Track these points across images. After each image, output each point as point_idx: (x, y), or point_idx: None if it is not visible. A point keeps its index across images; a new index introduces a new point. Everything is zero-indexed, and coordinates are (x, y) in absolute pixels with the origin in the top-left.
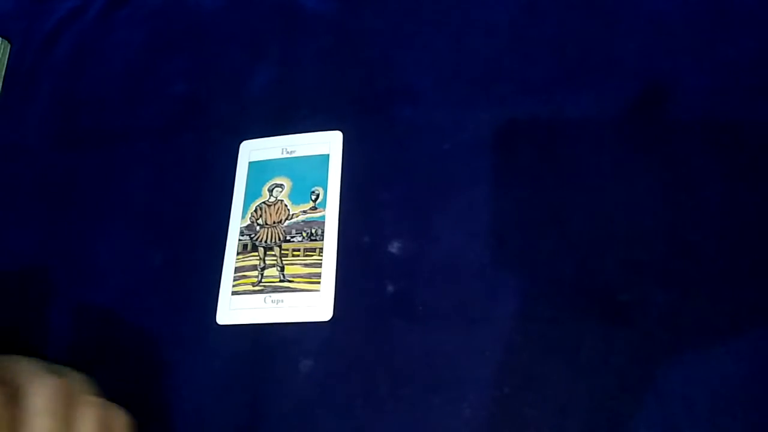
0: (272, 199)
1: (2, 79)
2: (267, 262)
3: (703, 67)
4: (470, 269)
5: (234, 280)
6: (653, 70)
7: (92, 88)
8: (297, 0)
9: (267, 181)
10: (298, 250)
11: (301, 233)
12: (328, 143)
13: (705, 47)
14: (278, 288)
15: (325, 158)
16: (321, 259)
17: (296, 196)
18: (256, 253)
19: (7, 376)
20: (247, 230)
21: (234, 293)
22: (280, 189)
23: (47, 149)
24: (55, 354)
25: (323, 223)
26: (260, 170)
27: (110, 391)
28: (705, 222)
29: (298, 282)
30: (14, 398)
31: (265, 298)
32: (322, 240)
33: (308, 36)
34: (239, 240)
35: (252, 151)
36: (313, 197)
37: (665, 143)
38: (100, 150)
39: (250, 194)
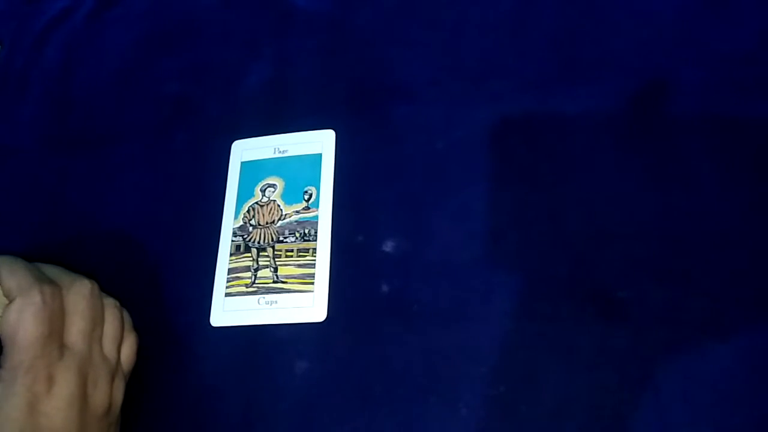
0: (265, 200)
1: None
2: (260, 263)
3: (699, 62)
4: (465, 267)
5: (227, 282)
6: (649, 66)
7: (84, 88)
8: None
9: (259, 181)
10: (292, 251)
11: (294, 233)
12: (321, 142)
13: (701, 42)
14: (272, 289)
15: (318, 157)
16: (314, 260)
17: (289, 196)
18: (249, 254)
19: (50, 278)
20: (240, 231)
21: (227, 295)
22: (272, 189)
23: (39, 151)
24: None
25: (316, 223)
26: (252, 170)
27: None
28: (702, 217)
29: (292, 283)
30: (60, 297)
31: (258, 300)
32: (316, 240)
33: (301, 34)
34: (232, 241)
35: (244, 150)
36: (306, 197)
37: (662, 139)
38: (92, 151)
39: (243, 194)
